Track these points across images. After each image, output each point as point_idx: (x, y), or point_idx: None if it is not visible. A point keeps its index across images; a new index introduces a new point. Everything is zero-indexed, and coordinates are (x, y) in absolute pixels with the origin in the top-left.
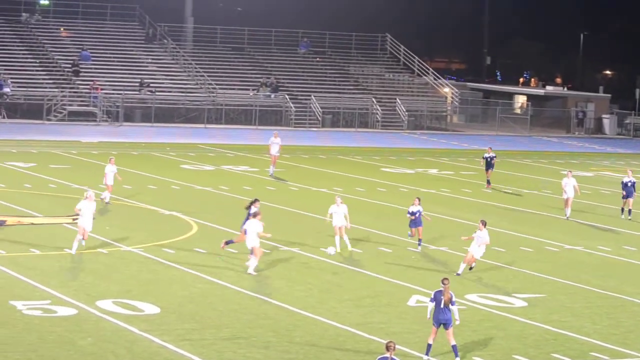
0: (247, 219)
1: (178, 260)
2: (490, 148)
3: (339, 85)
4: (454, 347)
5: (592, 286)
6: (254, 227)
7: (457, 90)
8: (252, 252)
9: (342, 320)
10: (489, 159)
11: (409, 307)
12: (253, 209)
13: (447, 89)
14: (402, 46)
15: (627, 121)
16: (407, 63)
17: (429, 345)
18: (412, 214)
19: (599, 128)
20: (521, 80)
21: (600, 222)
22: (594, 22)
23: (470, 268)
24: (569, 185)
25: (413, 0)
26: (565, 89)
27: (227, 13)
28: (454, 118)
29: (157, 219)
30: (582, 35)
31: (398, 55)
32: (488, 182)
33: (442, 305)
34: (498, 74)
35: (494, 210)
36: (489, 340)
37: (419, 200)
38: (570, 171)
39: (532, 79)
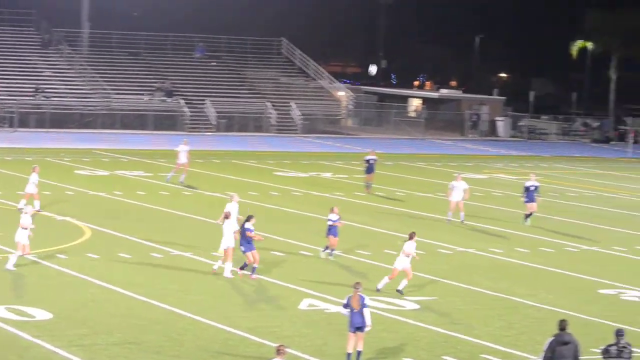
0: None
1: (71, 265)
2: (373, 150)
3: (234, 89)
4: (358, 352)
5: (483, 288)
6: (231, 227)
7: (352, 94)
8: (225, 254)
9: (234, 324)
10: (370, 162)
11: (300, 310)
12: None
13: (341, 93)
14: (297, 50)
15: (521, 123)
16: (302, 67)
17: (349, 355)
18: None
19: (493, 130)
20: (416, 83)
21: (493, 224)
22: (489, 25)
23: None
24: (458, 188)
25: (308, 4)
26: (460, 91)
27: (124, 18)
28: (349, 121)
29: (51, 224)
30: (477, 39)
31: (293, 60)
32: (368, 185)
33: (354, 310)
34: (393, 77)
35: (387, 214)
36: (381, 343)
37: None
38: (460, 174)
39: (427, 82)
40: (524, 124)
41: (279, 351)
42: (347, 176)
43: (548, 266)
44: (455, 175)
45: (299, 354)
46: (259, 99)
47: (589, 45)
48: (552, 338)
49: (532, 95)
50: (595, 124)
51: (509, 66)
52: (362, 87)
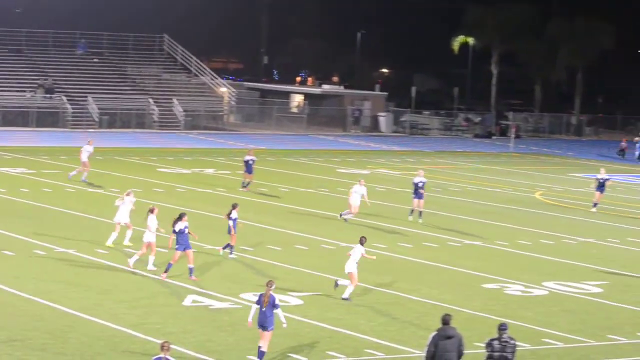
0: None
1: None
2: (251, 150)
3: (116, 86)
4: (261, 352)
5: (368, 283)
6: (153, 223)
7: (234, 90)
8: (147, 247)
9: (119, 321)
10: (249, 162)
11: (184, 307)
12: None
13: (224, 89)
14: (179, 47)
15: (403, 119)
16: (185, 63)
17: (260, 350)
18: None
19: (375, 126)
20: (298, 79)
21: (376, 219)
22: (371, 20)
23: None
24: (357, 193)
25: (189, 1)
26: (342, 87)
27: (6, 14)
28: (231, 118)
29: None
30: (359, 34)
31: (175, 56)
32: (245, 184)
33: (263, 308)
34: (275, 73)
35: (269, 209)
36: None
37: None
38: (362, 180)
39: (309, 78)
40: (406, 120)
41: (163, 347)
42: (229, 172)
43: (431, 261)
44: (359, 180)
45: (184, 350)
46: (142, 95)
47: (470, 40)
48: (436, 332)
49: (413, 90)
50: (477, 119)
51: (391, 62)
52: (244, 83)
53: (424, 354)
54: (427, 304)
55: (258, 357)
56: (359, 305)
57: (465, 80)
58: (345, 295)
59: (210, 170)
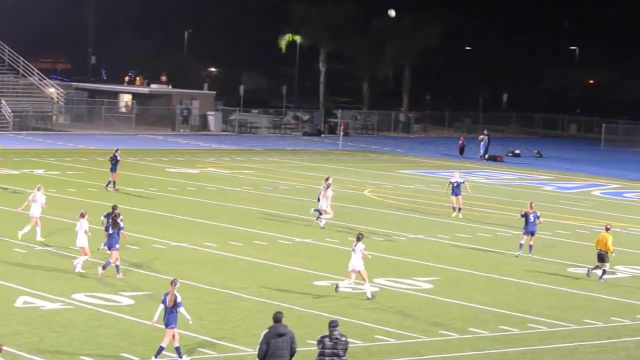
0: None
1: None
2: (118, 150)
3: None
4: (177, 348)
5: (199, 282)
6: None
7: (62, 90)
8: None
9: None
10: (113, 160)
11: (15, 308)
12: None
13: (52, 89)
14: (7, 47)
15: (232, 117)
16: (12, 64)
17: (161, 348)
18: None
19: (204, 125)
20: (126, 79)
21: (207, 219)
22: (198, 19)
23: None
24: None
25: (15, 1)
26: (170, 86)
27: None
28: (60, 118)
29: None
30: (186, 33)
31: (2, 56)
32: (113, 183)
33: (168, 307)
34: (103, 73)
35: (98, 209)
36: (97, 339)
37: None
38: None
39: (138, 78)
40: (235, 118)
41: None
42: (59, 173)
43: (262, 259)
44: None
45: (15, 351)
46: None
47: (297, 38)
48: (268, 330)
49: (242, 89)
50: (306, 117)
51: (219, 60)
52: (72, 83)
53: (256, 352)
54: (258, 302)
55: (156, 353)
56: (189, 304)
57: (293, 79)
58: (368, 295)
59: (40, 171)
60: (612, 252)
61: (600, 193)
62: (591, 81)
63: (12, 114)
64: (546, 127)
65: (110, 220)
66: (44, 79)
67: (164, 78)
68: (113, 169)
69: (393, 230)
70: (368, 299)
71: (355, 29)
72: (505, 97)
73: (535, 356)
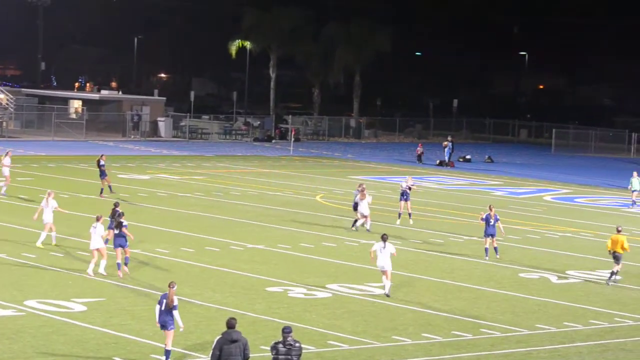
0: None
1: None
2: (103, 155)
3: None
4: (167, 351)
5: (151, 289)
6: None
7: (12, 97)
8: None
9: None
10: (102, 165)
11: None
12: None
13: (2, 96)
14: None
15: (183, 123)
16: None
17: (166, 349)
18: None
19: (155, 131)
20: (77, 85)
21: (157, 224)
22: (148, 25)
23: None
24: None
25: None
26: (120, 92)
27: None
28: (10, 124)
29: None
30: (136, 39)
31: None
32: (109, 187)
33: (163, 308)
34: (53, 79)
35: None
36: (50, 346)
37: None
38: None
39: (88, 84)
40: (185, 124)
41: None
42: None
43: (214, 265)
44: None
45: None
46: None
47: (248, 44)
48: (220, 336)
49: (192, 95)
50: (257, 123)
51: (169, 66)
52: (22, 89)
53: (209, 358)
54: (211, 308)
55: (165, 356)
56: (143, 310)
57: (244, 85)
58: (386, 291)
59: None
60: (628, 251)
61: (551, 198)
62: (541, 86)
63: None
64: (497, 133)
65: (113, 220)
66: None
67: (114, 84)
68: (102, 175)
69: (345, 236)
70: (387, 295)
71: (306, 34)
72: (455, 102)
73: None
